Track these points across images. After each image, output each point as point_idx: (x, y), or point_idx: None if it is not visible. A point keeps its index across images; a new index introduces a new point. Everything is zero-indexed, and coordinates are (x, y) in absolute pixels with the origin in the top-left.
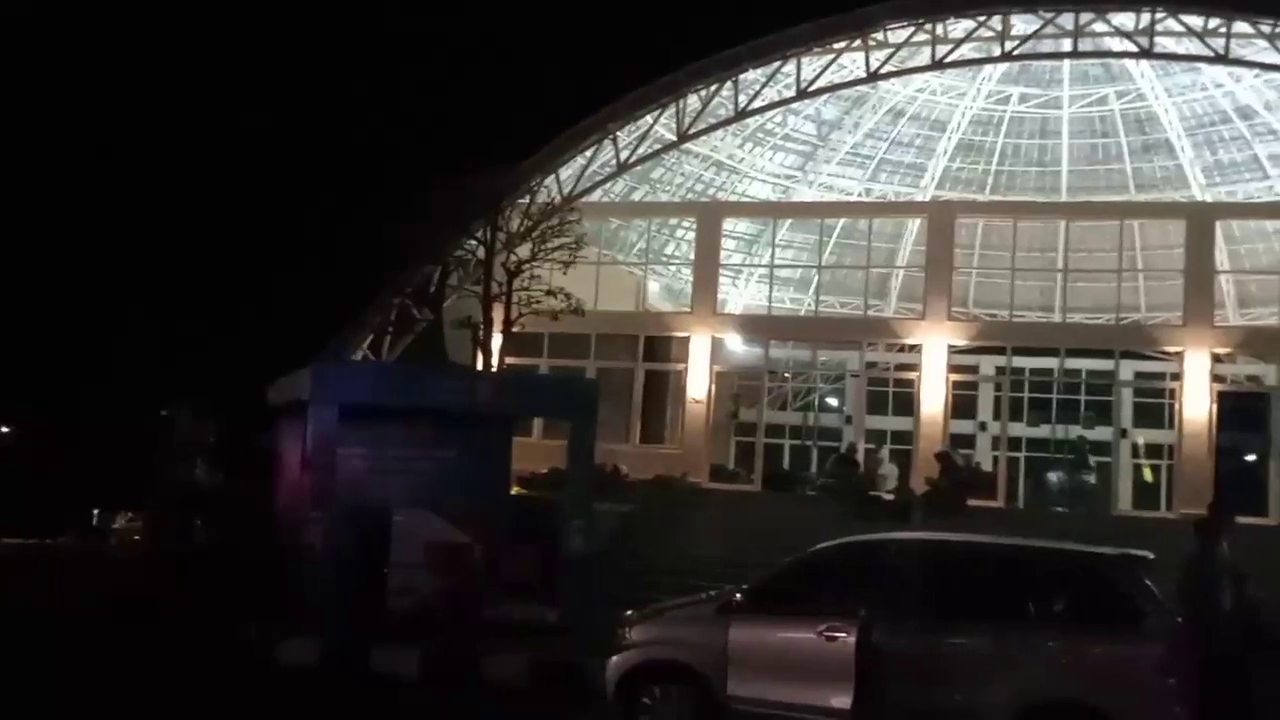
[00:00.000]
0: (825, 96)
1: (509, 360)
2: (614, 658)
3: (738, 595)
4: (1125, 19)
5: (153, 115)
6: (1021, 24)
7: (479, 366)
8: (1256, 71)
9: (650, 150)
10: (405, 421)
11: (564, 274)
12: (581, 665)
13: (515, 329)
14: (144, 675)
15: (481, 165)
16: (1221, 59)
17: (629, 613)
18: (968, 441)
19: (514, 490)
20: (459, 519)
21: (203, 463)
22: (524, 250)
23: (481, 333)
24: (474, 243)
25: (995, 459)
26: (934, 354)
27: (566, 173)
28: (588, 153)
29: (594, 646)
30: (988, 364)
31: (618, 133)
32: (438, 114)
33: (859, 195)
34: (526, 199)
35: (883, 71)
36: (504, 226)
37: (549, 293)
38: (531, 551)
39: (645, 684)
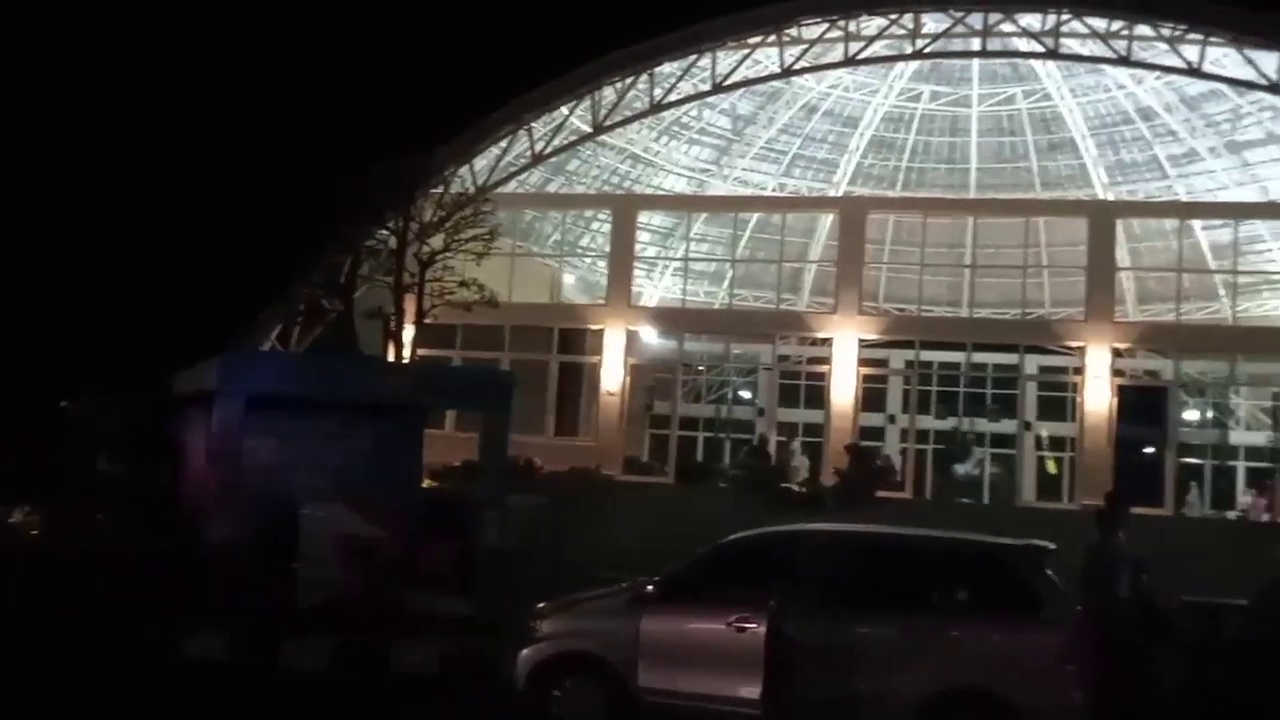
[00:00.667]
0: (740, 91)
1: (421, 352)
2: (525, 650)
3: (649, 587)
4: (1032, 20)
5: (51, 98)
6: (932, 23)
7: (390, 358)
8: (1157, 74)
9: (566, 142)
10: (314, 413)
11: (478, 265)
12: (494, 657)
13: (428, 320)
14: (36, 671)
15: (394, 154)
16: (1123, 61)
17: (541, 605)
18: (877, 434)
19: (426, 483)
20: (369, 511)
21: (105, 454)
22: (437, 241)
23: (393, 324)
24: (386, 232)
25: (904, 451)
26: (845, 347)
27: (481, 163)
28: (502, 143)
29: (506, 639)
30: (897, 358)
31: (533, 124)
32: (351, 101)
33: (773, 190)
34: (440, 189)
35: (797, 67)
36: (417, 216)
37: (462, 284)
38: (443, 544)
39: (557, 676)
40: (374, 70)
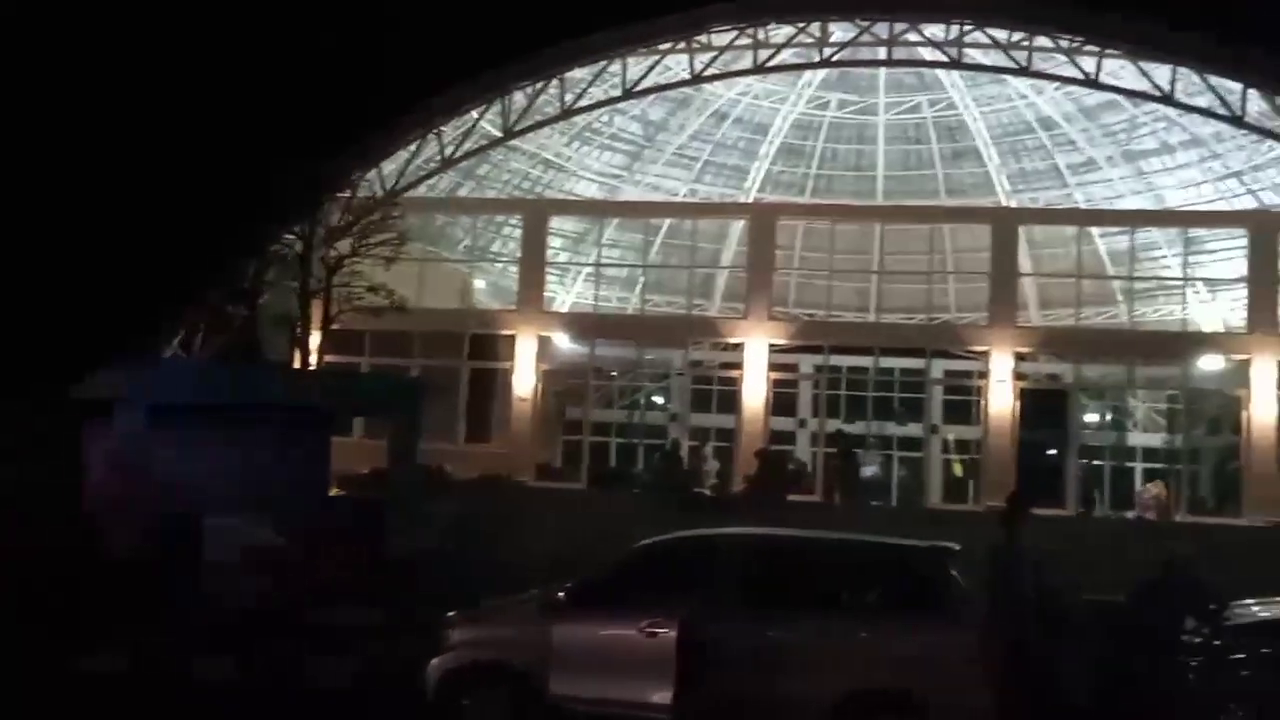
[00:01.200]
0: (651, 97)
1: (329, 358)
2: (435, 659)
3: (560, 594)
4: (936, 30)
5: None
6: (840, 32)
7: (296, 365)
8: (1057, 84)
9: (476, 146)
10: (218, 421)
11: (386, 270)
12: (404, 667)
13: (335, 326)
14: None
15: (301, 157)
16: (1024, 71)
17: (451, 613)
18: (788, 438)
19: (334, 491)
20: (276, 521)
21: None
22: (344, 245)
23: (299, 330)
24: (292, 237)
25: (814, 455)
26: (756, 353)
27: (390, 167)
28: (411, 147)
29: (416, 648)
30: (807, 362)
31: (443, 128)
32: (254, 102)
33: (684, 196)
34: (348, 193)
35: (707, 74)
36: (323, 221)
37: (370, 289)
38: (352, 553)
39: (467, 685)
40: (279, 71)
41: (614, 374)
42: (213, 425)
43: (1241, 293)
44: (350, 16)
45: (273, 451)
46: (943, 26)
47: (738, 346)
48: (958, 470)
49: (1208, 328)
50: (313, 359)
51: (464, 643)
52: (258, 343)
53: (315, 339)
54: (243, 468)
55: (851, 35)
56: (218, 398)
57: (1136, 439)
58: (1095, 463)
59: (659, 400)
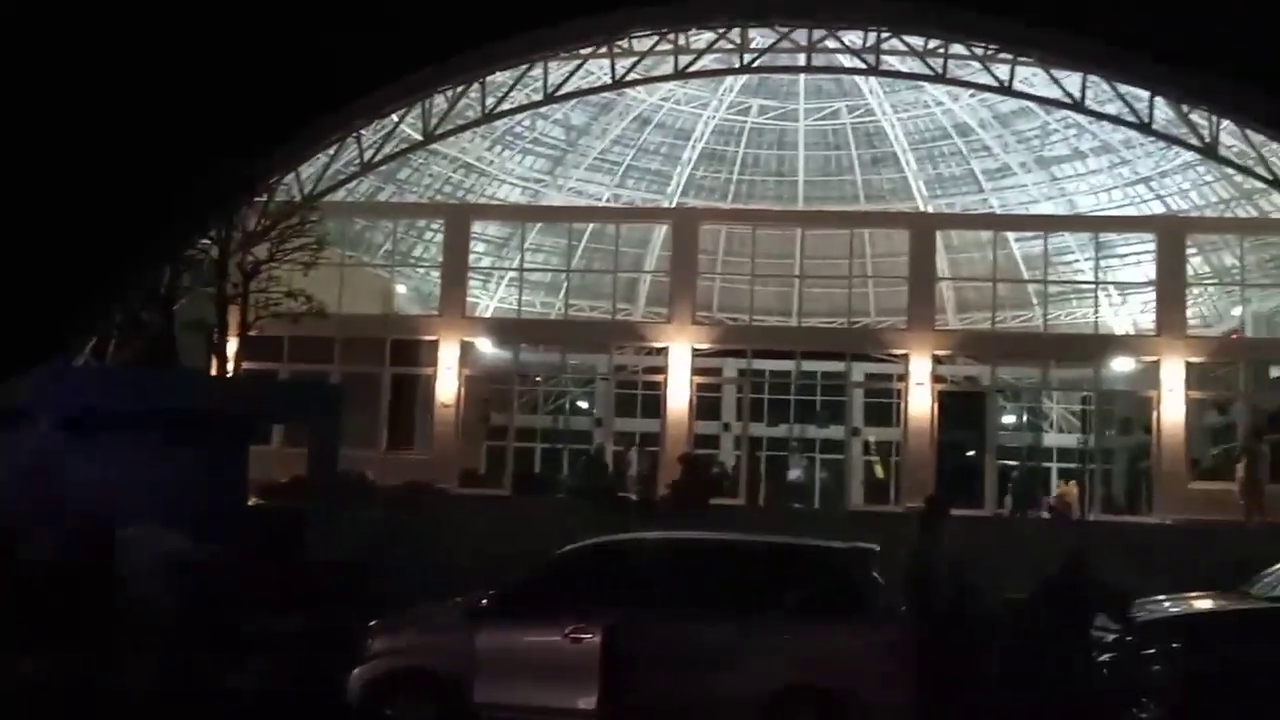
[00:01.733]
0: (573, 102)
1: (246, 365)
2: (358, 668)
3: (484, 600)
4: (854, 37)
5: None
6: (760, 38)
7: (213, 372)
8: (972, 91)
9: (396, 150)
10: (133, 429)
11: (305, 275)
12: (326, 676)
13: (253, 333)
14: None
15: (216, 160)
16: (940, 78)
17: (374, 621)
18: (712, 442)
19: (253, 500)
20: (193, 530)
21: None
22: (262, 250)
23: (216, 336)
24: (208, 242)
25: (738, 458)
26: (679, 357)
27: (308, 171)
28: (330, 150)
29: (338, 656)
30: (731, 366)
31: (362, 131)
32: (166, 104)
33: (607, 200)
34: (265, 197)
35: (628, 79)
36: (240, 225)
37: (289, 294)
38: (271, 561)
39: (390, 693)
40: (192, 74)
41: (538, 379)
42: (127, 433)
43: (1150, 296)
44: (263, 19)
45: (189, 459)
46: (860, 33)
47: (662, 351)
48: (879, 472)
49: (1119, 330)
50: (230, 366)
51: (387, 650)
52: (173, 349)
53: (233, 345)
54: (158, 476)
55: (771, 41)
56: (132, 405)
57: (1052, 439)
58: (1012, 463)
59: (584, 405)
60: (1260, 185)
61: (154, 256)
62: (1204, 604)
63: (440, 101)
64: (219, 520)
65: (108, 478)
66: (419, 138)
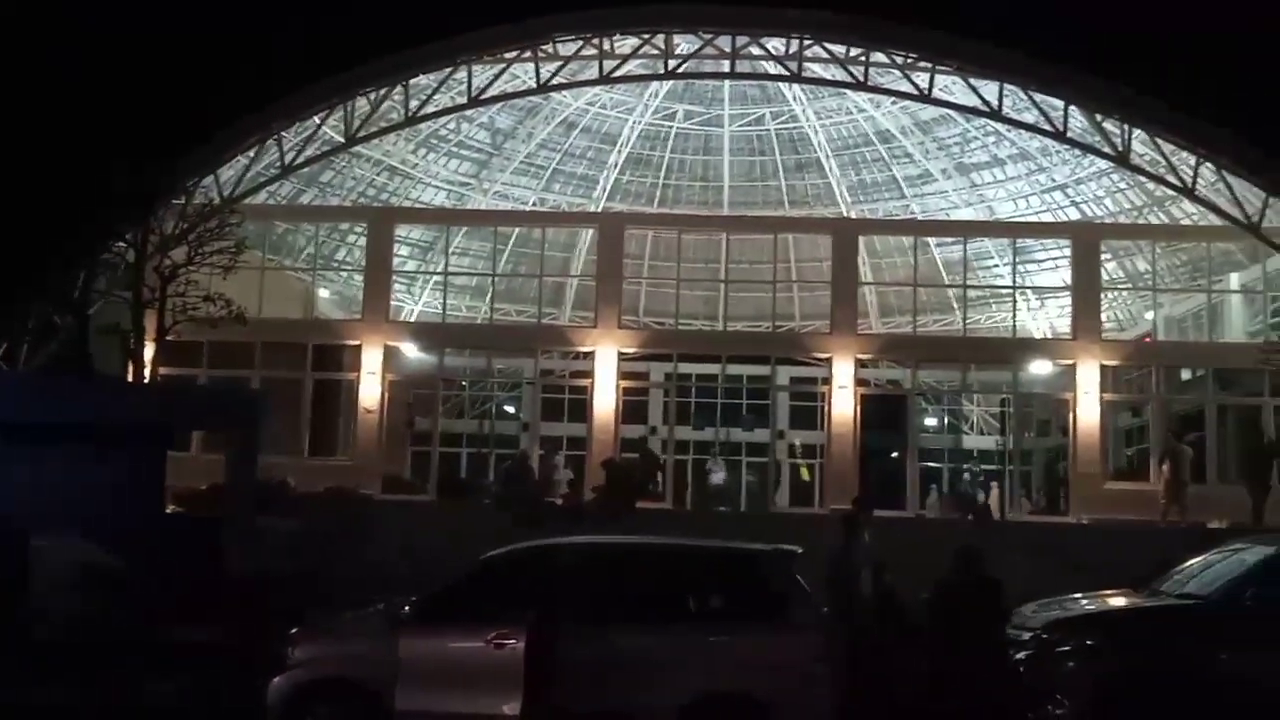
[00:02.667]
0: (499, 105)
1: (164, 371)
2: (277, 677)
3: (407, 607)
4: (777, 44)
5: None
6: (685, 44)
7: (129, 378)
8: (893, 99)
9: (318, 152)
10: (44, 437)
11: (224, 279)
12: (246, 687)
13: (170, 337)
14: None
15: (131, 160)
16: (861, 85)
17: (294, 630)
18: (639, 445)
19: (171, 508)
20: (108, 540)
21: None
22: (179, 254)
23: (132, 341)
24: (123, 245)
25: (663, 462)
26: (606, 361)
27: (228, 174)
28: (250, 153)
29: (259, 666)
30: (657, 370)
31: (283, 133)
32: (80, 104)
33: (533, 204)
34: (182, 200)
35: (553, 83)
36: (157, 228)
37: (207, 299)
38: (190, 571)
39: (311, 703)
40: (107, 73)
41: (464, 384)
42: (38, 441)
43: (1067, 300)
44: (182, 18)
45: (104, 468)
46: (783, 40)
47: (588, 355)
48: (805, 474)
49: (1036, 334)
50: (147, 372)
51: (307, 659)
52: (87, 355)
53: (149, 351)
54: (71, 485)
55: (696, 48)
56: (44, 412)
57: (971, 441)
58: (933, 465)
59: (510, 410)
60: (1171, 192)
61: (67, 259)
62: (1117, 601)
63: (363, 104)
64: (135, 529)
65: (19, 486)
66: (341, 140)
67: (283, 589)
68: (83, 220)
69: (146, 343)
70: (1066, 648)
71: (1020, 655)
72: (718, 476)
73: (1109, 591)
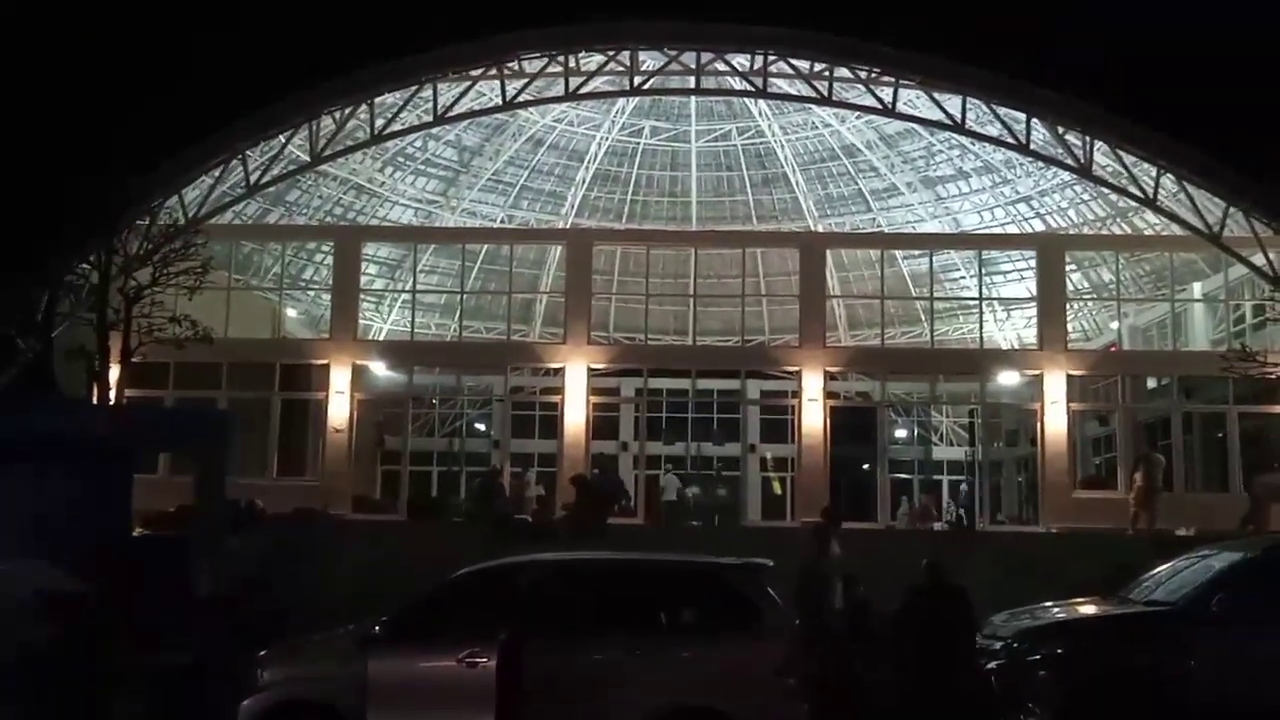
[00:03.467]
0: (465, 123)
1: (130, 392)
2: (247, 700)
3: (376, 627)
4: (742, 60)
5: None
6: (650, 61)
7: (95, 400)
8: (858, 113)
9: (284, 171)
10: (9, 459)
11: (190, 300)
12: (217, 710)
13: (136, 359)
14: None
15: (93, 180)
16: (825, 100)
17: (263, 652)
18: (610, 461)
19: (138, 531)
20: (74, 564)
21: None
22: (144, 275)
23: (97, 363)
24: (87, 266)
25: (635, 478)
26: (576, 377)
27: (192, 194)
28: (215, 172)
29: (229, 690)
30: (627, 386)
31: (248, 152)
32: (41, 123)
33: (501, 221)
34: (146, 220)
35: (519, 100)
36: (121, 249)
37: (173, 319)
38: (158, 595)
39: None
40: (69, 92)
41: (434, 402)
42: (1, 463)
43: (1032, 311)
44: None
45: (69, 490)
46: (748, 56)
47: (558, 371)
48: (776, 488)
49: (1003, 345)
50: (113, 393)
51: (277, 681)
52: (52, 377)
53: (115, 372)
54: (35, 508)
55: (661, 64)
56: (7, 434)
57: (940, 453)
58: (904, 476)
59: (481, 427)
60: (1134, 203)
61: (30, 280)
62: (1086, 609)
63: (328, 122)
64: (100, 552)
65: None
66: (307, 159)
67: (250, 611)
68: (46, 240)
69: (112, 365)
70: (1037, 656)
71: (991, 664)
72: (691, 490)
73: (1078, 600)
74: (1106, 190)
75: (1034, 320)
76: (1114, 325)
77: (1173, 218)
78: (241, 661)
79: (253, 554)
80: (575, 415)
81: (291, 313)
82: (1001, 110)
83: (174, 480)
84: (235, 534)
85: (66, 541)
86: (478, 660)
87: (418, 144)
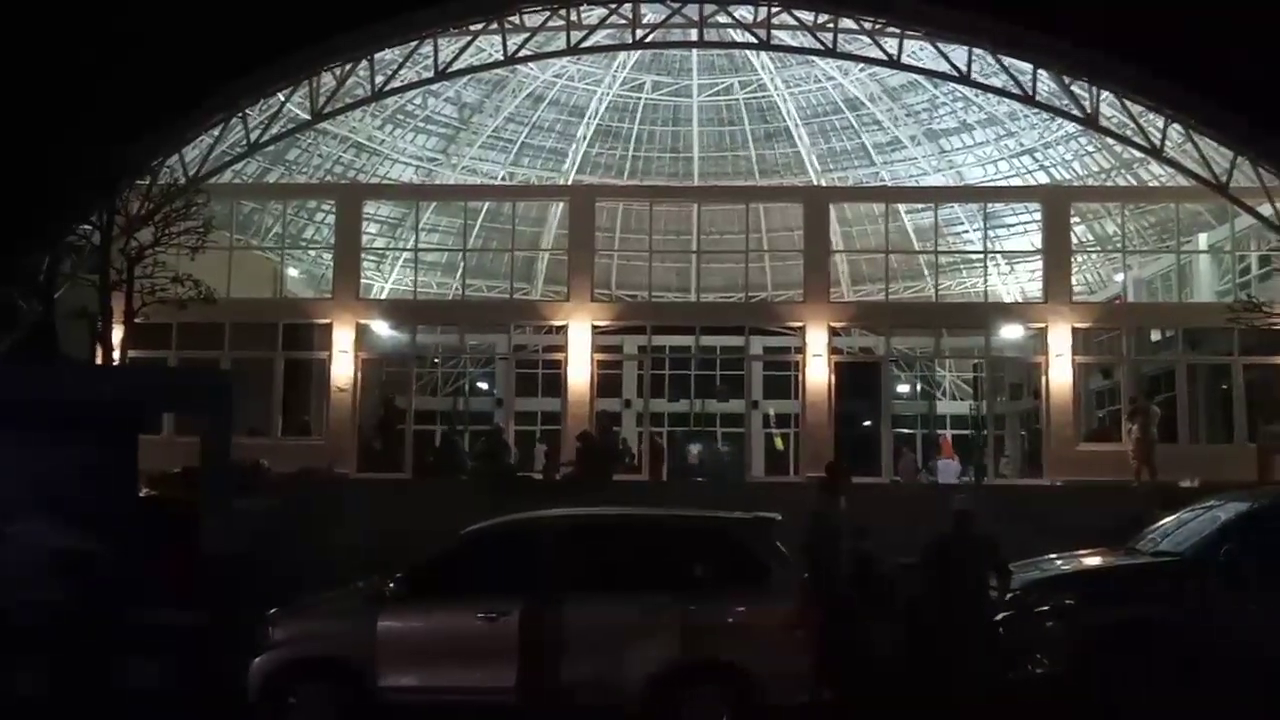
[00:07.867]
0: (465, 79)
1: (133, 353)
2: (258, 658)
3: (389, 584)
4: (745, 11)
5: None
6: (651, 14)
7: (98, 361)
8: (861, 66)
9: (284, 130)
10: (14, 422)
11: (192, 260)
12: (226, 668)
13: (139, 320)
14: None
15: (93, 141)
16: (830, 52)
17: (274, 610)
18: (614, 419)
19: (144, 491)
20: (82, 524)
21: None
22: (146, 235)
23: (100, 324)
24: (88, 227)
25: (640, 434)
26: (579, 335)
27: (193, 153)
28: (215, 131)
29: (238, 648)
30: (630, 343)
31: (248, 111)
32: (40, 84)
33: (502, 178)
34: (147, 180)
35: (520, 55)
36: (122, 209)
37: (175, 280)
38: (166, 554)
39: (292, 683)
40: (68, 53)
41: (437, 360)
42: (7, 426)
43: (1037, 264)
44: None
45: (75, 452)
46: (750, 8)
47: (561, 329)
48: (779, 444)
49: (1008, 298)
50: (116, 354)
51: (287, 639)
52: (54, 339)
53: (118, 334)
54: (42, 470)
55: (663, 17)
56: (11, 398)
57: (945, 407)
58: (907, 431)
59: (484, 386)
60: (1139, 155)
61: (32, 242)
62: (1093, 561)
63: (328, 80)
64: (108, 513)
65: None
66: (307, 117)
67: (259, 570)
68: (47, 202)
69: (114, 325)
70: (1045, 608)
71: (999, 616)
72: (695, 447)
73: (1085, 551)
74: (1111, 142)
75: (1038, 273)
76: (1119, 278)
77: (1179, 168)
78: (249, 621)
79: (260, 514)
80: (579, 373)
81: (293, 272)
82: (1007, 61)
83: (179, 440)
84: (242, 494)
85: (75, 502)
86: (495, 615)
87: (417, 101)
